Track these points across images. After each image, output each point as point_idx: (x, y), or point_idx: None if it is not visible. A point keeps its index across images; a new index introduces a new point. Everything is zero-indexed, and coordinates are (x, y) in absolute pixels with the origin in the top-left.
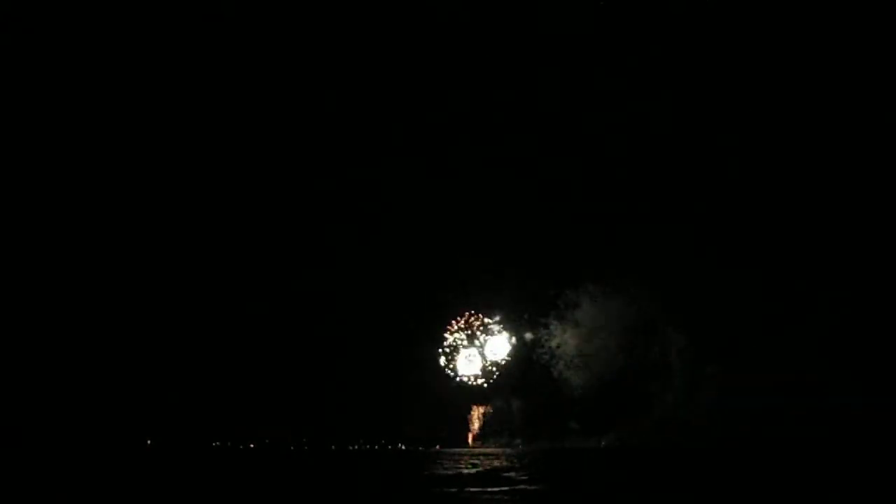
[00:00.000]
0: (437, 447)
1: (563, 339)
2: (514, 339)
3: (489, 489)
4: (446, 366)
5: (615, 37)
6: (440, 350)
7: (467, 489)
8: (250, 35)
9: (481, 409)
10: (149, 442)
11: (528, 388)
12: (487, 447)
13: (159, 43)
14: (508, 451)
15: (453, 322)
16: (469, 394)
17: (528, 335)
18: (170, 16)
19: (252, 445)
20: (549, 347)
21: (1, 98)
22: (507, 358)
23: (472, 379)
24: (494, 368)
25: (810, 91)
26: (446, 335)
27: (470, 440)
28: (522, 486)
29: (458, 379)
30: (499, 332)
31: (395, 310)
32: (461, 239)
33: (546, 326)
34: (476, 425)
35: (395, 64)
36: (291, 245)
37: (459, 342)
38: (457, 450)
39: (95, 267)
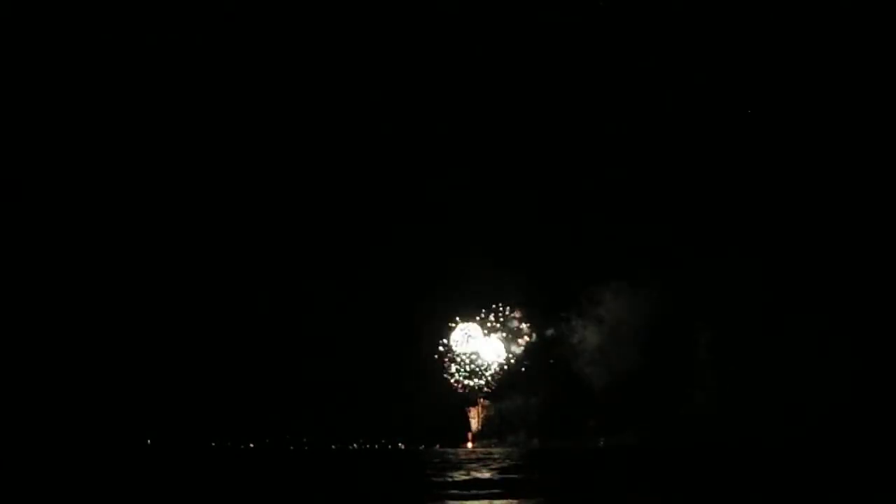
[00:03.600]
0: (437, 446)
1: (584, 334)
2: (534, 335)
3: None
4: (448, 364)
5: (616, 36)
6: (442, 348)
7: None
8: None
9: (482, 409)
10: (149, 442)
11: (546, 385)
12: (493, 447)
13: (161, 44)
14: (509, 450)
15: (457, 318)
16: (471, 392)
17: (550, 331)
18: (172, 18)
19: (252, 445)
20: (570, 343)
21: (2, 98)
22: (522, 353)
23: (478, 376)
24: (506, 365)
25: (813, 87)
26: (450, 331)
27: (469, 442)
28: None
29: (460, 377)
30: (519, 327)
31: (397, 308)
32: (478, 236)
33: (567, 321)
34: (475, 425)
35: (418, 68)
36: (291, 246)
37: (464, 338)
38: (461, 449)
39: (96, 268)
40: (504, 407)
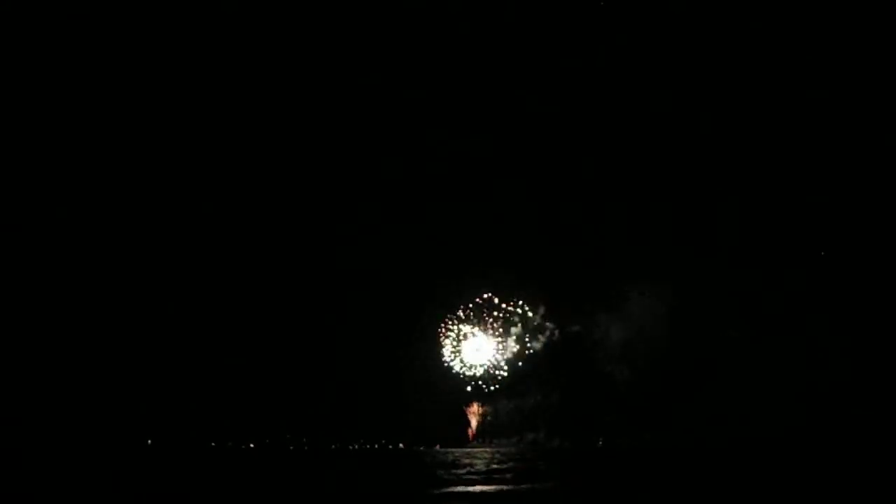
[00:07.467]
0: (437, 446)
1: (608, 331)
2: (556, 332)
3: None
4: (452, 361)
5: (616, 36)
6: (445, 345)
7: None
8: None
9: (482, 408)
10: (149, 442)
11: (567, 382)
12: (490, 445)
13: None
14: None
15: (462, 313)
16: (474, 390)
17: (577, 327)
18: (172, 18)
19: (252, 445)
20: (593, 340)
21: (2, 98)
22: (543, 350)
23: (486, 373)
24: (517, 362)
25: (815, 87)
26: (453, 328)
27: (470, 441)
28: None
29: (465, 374)
30: (537, 323)
31: (398, 307)
32: (496, 233)
33: (592, 317)
34: (474, 424)
35: (431, 67)
36: (290, 247)
37: (468, 334)
38: (466, 450)
39: (96, 268)
40: (524, 404)
